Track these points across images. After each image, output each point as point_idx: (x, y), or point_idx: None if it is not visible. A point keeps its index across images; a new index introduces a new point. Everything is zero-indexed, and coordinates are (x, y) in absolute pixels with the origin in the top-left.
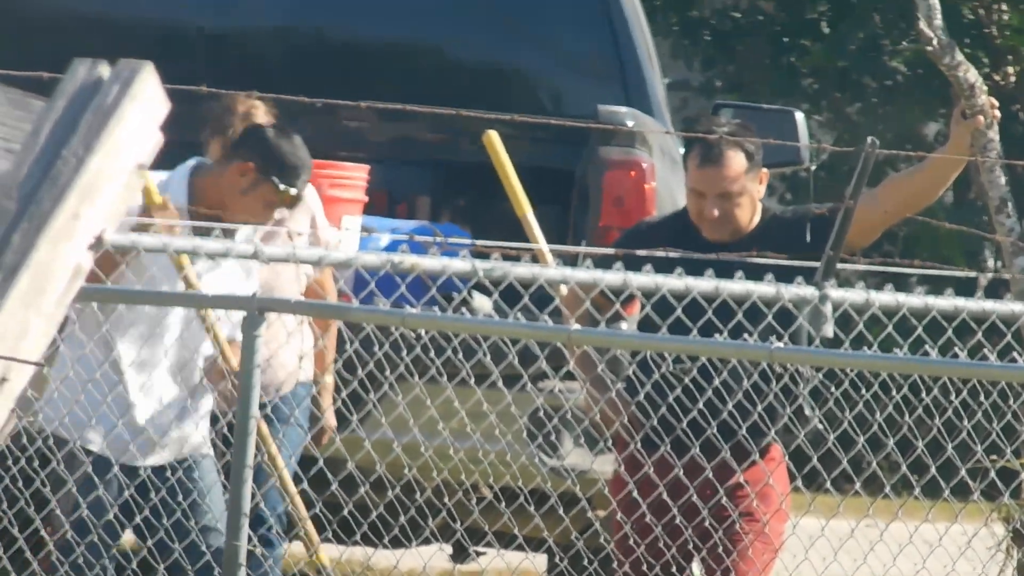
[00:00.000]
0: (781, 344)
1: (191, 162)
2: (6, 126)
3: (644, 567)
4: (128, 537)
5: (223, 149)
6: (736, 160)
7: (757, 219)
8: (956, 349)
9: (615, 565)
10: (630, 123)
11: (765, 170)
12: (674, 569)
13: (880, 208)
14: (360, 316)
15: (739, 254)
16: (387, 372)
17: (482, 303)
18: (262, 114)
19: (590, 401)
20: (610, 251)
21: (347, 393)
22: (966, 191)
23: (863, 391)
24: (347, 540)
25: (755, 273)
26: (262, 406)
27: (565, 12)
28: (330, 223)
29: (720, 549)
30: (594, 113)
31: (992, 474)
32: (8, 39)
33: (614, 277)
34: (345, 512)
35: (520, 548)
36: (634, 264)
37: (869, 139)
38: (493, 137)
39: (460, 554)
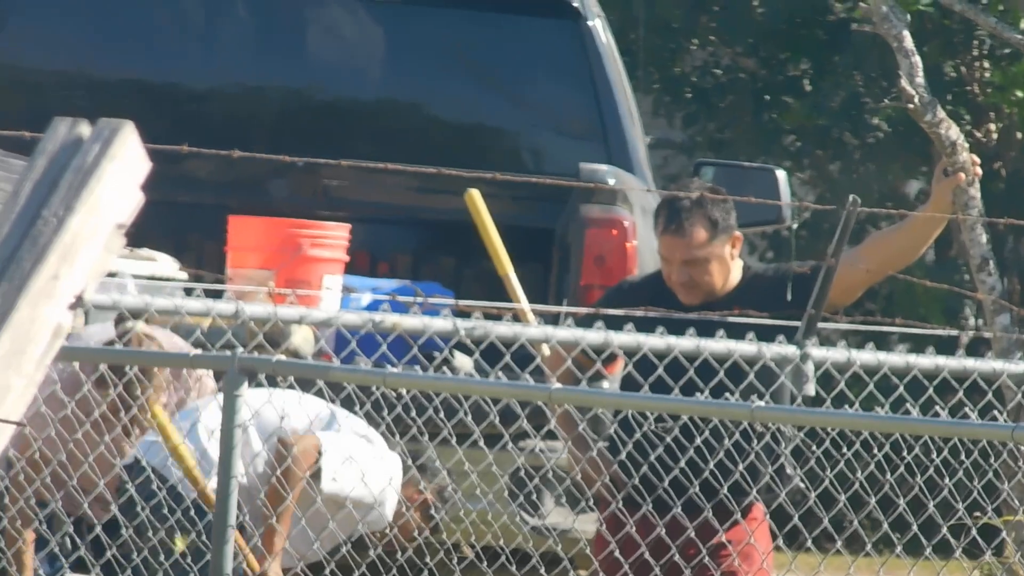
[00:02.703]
0: (763, 403)
1: None
2: None
3: None
4: None
5: None
6: (697, 230)
7: (737, 278)
8: (937, 407)
9: None
10: (611, 181)
11: (738, 233)
12: None
13: (862, 267)
14: (341, 376)
15: (720, 313)
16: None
17: (463, 362)
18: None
19: (572, 460)
20: (592, 310)
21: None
22: (947, 249)
23: (845, 449)
24: None
25: (737, 332)
26: None
27: (547, 70)
28: (311, 283)
29: None
30: (575, 171)
31: (974, 532)
32: None
33: (596, 336)
34: (327, 572)
35: None
36: (616, 323)
37: (851, 197)
38: (474, 195)
39: None
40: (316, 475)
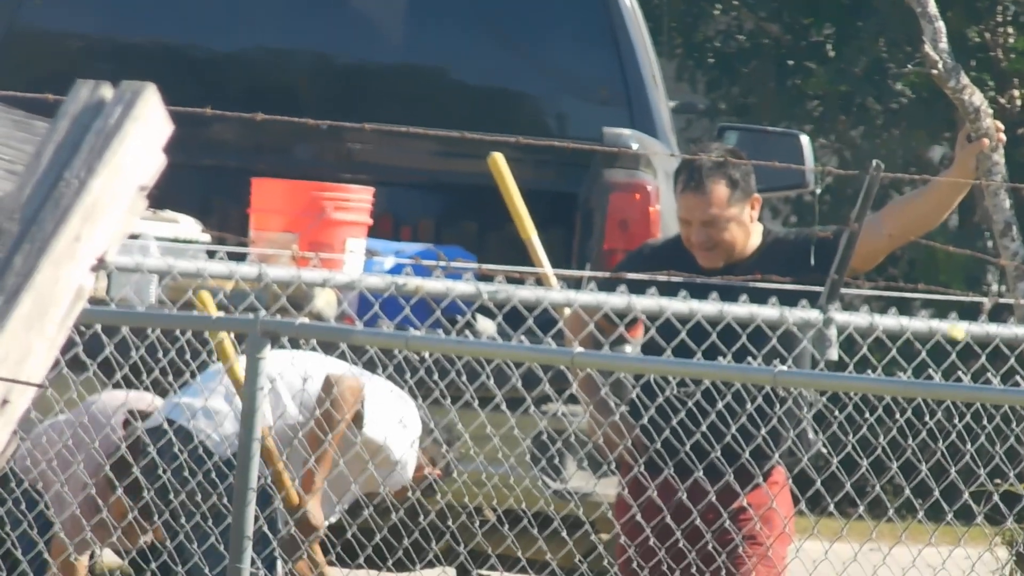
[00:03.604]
0: (785, 367)
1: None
2: (9, 148)
3: None
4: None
5: None
6: (717, 188)
7: (757, 242)
8: (959, 373)
9: None
10: (635, 146)
11: (757, 195)
12: None
13: (884, 231)
14: (364, 339)
15: (741, 278)
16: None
17: (486, 326)
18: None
19: (592, 424)
20: (614, 275)
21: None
22: (970, 215)
23: (867, 414)
24: (351, 563)
25: (759, 296)
26: None
27: (570, 34)
28: (334, 246)
29: (723, 573)
30: (599, 135)
31: (995, 498)
32: (15, 61)
33: (618, 300)
34: (349, 535)
35: (524, 571)
36: (638, 286)
37: (874, 162)
38: (498, 159)
39: None
40: (358, 418)
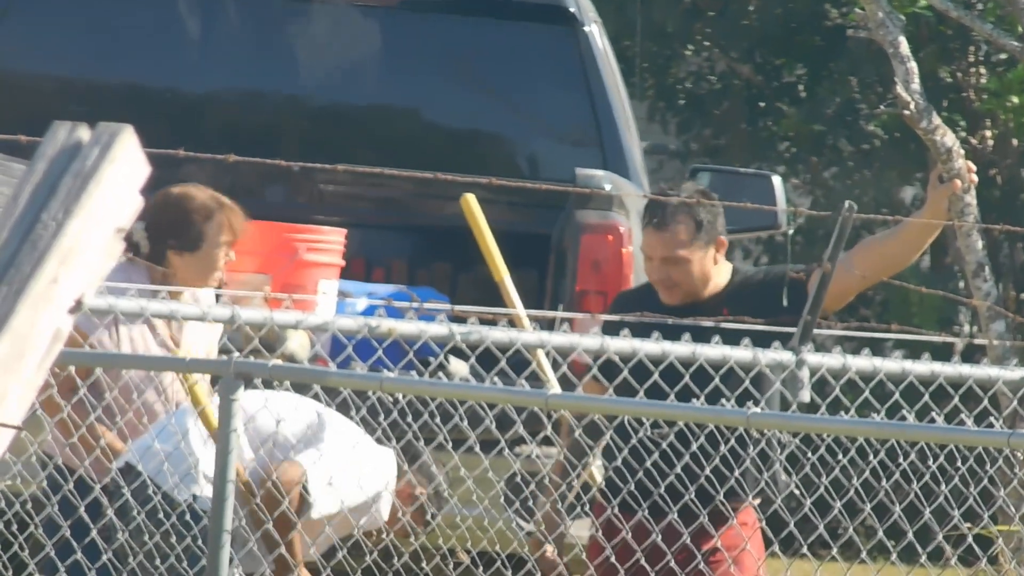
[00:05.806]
0: (758, 409)
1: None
2: None
3: None
4: None
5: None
6: (679, 228)
7: (724, 281)
8: (933, 414)
9: None
10: (607, 187)
11: (723, 238)
12: None
13: (855, 271)
14: (337, 381)
15: (711, 318)
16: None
17: (459, 368)
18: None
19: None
20: (587, 315)
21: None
22: (943, 256)
23: (840, 456)
24: None
25: (730, 337)
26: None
27: (543, 76)
28: (307, 287)
29: None
30: (571, 177)
31: (969, 539)
32: None
33: (591, 342)
34: None
35: None
36: (613, 332)
37: (846, 203)
38: (470, 200)
39: None
40: (304, 505)
